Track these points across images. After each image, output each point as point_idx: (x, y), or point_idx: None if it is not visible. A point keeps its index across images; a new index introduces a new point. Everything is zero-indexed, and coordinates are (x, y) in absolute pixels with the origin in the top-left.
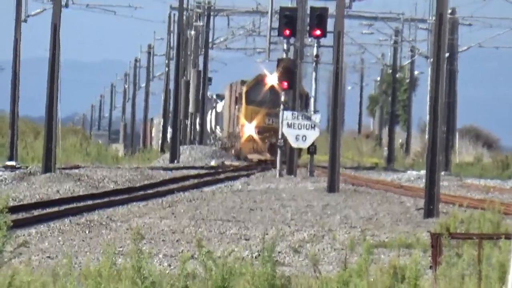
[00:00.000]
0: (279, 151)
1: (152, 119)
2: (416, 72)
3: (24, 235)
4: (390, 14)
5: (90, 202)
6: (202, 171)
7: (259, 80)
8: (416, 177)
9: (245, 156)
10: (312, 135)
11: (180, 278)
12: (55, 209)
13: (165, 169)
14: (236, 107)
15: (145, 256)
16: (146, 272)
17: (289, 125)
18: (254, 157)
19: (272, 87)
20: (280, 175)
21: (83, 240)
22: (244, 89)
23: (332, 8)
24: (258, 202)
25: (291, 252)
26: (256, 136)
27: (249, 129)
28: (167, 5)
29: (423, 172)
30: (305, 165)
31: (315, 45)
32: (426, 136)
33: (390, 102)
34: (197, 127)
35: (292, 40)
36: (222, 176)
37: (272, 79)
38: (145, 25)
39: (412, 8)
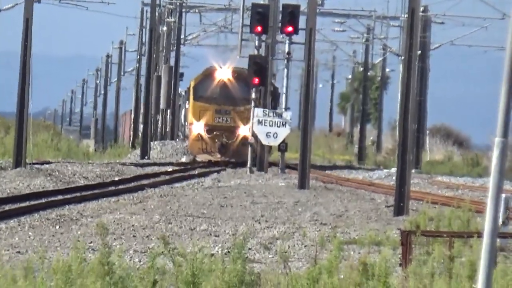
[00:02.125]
0: (250, 148)
1: (131, 111)
2: (387, 70)
3: None
4: (362, 11)
5: (60, 197)
6: (173, 167)
7: (208, 74)
8: (386, 174)
9: (194, 157)
10: (283, 133)
11: (150, 273)
12: (26, 204)
13: (136, 165)
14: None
15: (114, 251)
16: (115, 267)
17: (260, 122)
18: (204, 157)
19: (223, 82)
20: (251, 171)
21: (53, 235)
22: (192, 84)
23: (304, 5)
24: (228, 199)
25: (261, 249)
26: (205, 135)
27: (197, 128)
28: (139, 1)
29: (393, 169)
30: (276, 162)
31: (287, 42)
32: (397, 134)
33: (361, 100)
34: (168, 123)
35: (264, 37)
36: (192, 172)
37: (222, 73)
38: (117, 21)
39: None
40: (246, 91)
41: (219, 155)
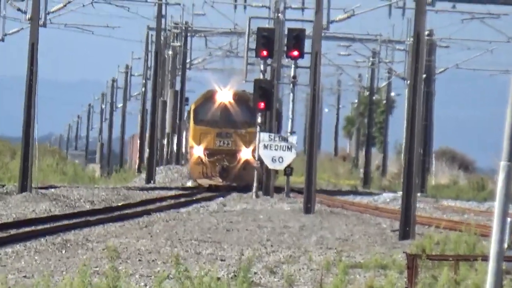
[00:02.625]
0: (255, 172)
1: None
2: (392, 94)
3: (0, 254)
4: (367, 35)
5: (66, 222)
6: (178, 192)
7: (208, 97)
8: (392, 198)
9: (195, 181)
10: (289, 157)
11: None
12: (31, 228)
13: (141, 189)
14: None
15: (121, 275)
16: None
17: (265, 147)
18: (204, 182)
19: (224, 105)
20: (257, 196)
21: (59, 260)
22: (192, 107)
23: (309, 29)
24: (234, 223)
25: (267, 273)
26: (205, 159)
27: (197, 152)
28: (145, 25)
29: (399, 193)
30: (282, 186)
31: (293, 66)
32: (402, 158)
33: (366, 124)
34: (174, 147)
35: (269, 61)
36: (198, 196)
37: (223, 96)
38: (122, 45)
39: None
40: (247, 113)
41: (220, 180)
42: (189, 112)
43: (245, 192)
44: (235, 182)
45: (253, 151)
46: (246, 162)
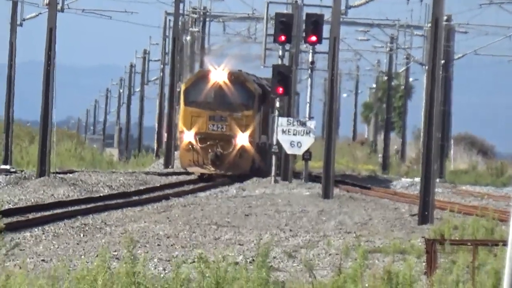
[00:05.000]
0: (273, 157)
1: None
2: (411, 79)
3: (19, 238)
4: (385, 20)
5: (84, 206)
6: (196, 177)
7: (201, 77)
8: (410, 184)
9: (185, 169)
10: (307, 141)
11: (175, 282)
12: (50, 213)
13: (159, 174)
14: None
15: (140, 261)
16: (140, 277)
17: (284, 132)
18: (195, 170)
19: (218, 85)
20: (275, 181)
21: (78, 244)
22: (183, 87)
23: (327, 15)
24: (253, 207)
25: (285, 257)
26: (197, 145)
27: (188, 137)
28: (162, 10)
29: (417, 179)
30: (301, 171)
31: (311, 51)
32: (421, 143)
33: (385, 109)
34: None
35: (287, 47)
36: (217, 181)
37: (217, 75)
38: (140, 30)
39: (407, 15)
40: (244, 95)
41: (212, 168)
42: (179, 93)
43: (242, 181)
44: (230, 171)
45: (250, 136)
46: (242, 149)
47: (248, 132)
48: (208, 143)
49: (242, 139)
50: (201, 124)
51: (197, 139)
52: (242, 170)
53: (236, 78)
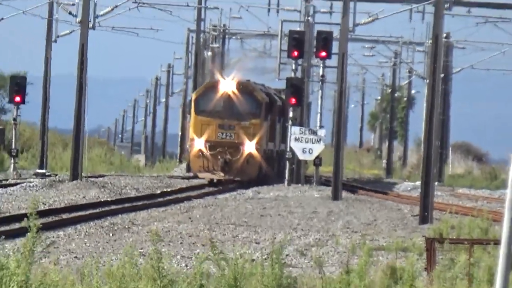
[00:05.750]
0: (287, 163)
1: None
2: (413, 92)
3: (53, 237)
4: (390, 37)
5: (113, 207)
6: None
7: (211, 87)
8: (412, 187)
9: (195, 174)
10: (318, 148)
11: (196, 277)
12: (82, 213)
13: (182, 178)
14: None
15: (164, 257)
16: (165, 271)
17: (296, 139)
18: (205, 176)
19: (227, 95)
20: (289, 184)
21: (107, 242)
22: (193, 96)
23: (336, 32)
24: (267, 209)
25: (297, 255)
26: (207, 152)
27: (198, 144)
28: (185, 28)
29: (418, 182)
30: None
31: (321, 65)
32: (422, 150)
33: (389, 119)
34: None
35: (300, 61)
36: (235, 184)
37: (226, 85)
38: (165, 46)
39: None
40: (251, 104)
41: (222, 174)
42: (190, 102)
43: (249, 187)
44: (238, 177)
45: (257, 143)
46: (250, 156)
47: (255, 140)
48: (218, 150)
49: (249, 146)
50: (211, 132)
51: (207, 146)
52: (249, 176)
53: (244, 87)
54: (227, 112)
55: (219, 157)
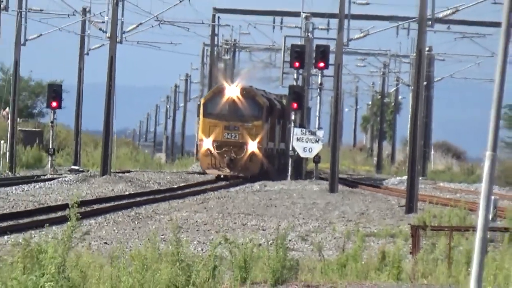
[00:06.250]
0: (290, 159)
1: None
2: (400, 97)
3: (86, 225)
4: (379, 50)
5: (138, 199)
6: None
7: (217, 92)
8: (399, 181)
9: (204, 171)
10: (317, 147)
11: (211, 260)
12: (110, 204)
13: (199, 173)
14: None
15: (183, 243)
16: (183, 255)
17: (298, 139)
18: (213, 172)
19: (232, 99)
20: (291, 178)
21: (133, 229)
22: (202, 101)
23: (333, 46)
24: (273, 200)
25: (299, 240)
26: (214, 151)
27: (206, 144)
28: (201, 42)
29: (405, 177)
30: (311, 171)
31: (319, 75)
32: (408, 149)
33: (379, 122)
34: None
35: (301, 71)
36: (239, 180)
37: (231, 91)
38: (183, 58)
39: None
40: (254, 108)
41: (227, 170)
42: (199, 106)
43: (254, 182)
44: (242, 173)
45: (259, 143)
46: (253, 154)
47: (257, 140)
48: (224, 149)
49: (252, 145)
50: (218, 133)
51: (214, 146)
52: (252, 172)
53: (247, 92)
54: (232, 114)
55: (225, 155)
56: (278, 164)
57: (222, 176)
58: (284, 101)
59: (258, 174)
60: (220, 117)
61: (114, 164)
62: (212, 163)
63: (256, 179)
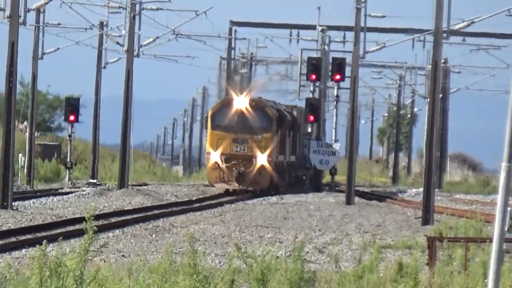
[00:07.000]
0: (306, 172)
1: None
2: (415, 109)
3: (103, 238)
4: (395, 63)
5: (156, 212)
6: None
7: (225, 103)
8: (415, 193)
9: (212, 185)
10: (334, 160)
11: (228, 272)
12: (128, 217)
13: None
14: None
15: (199, 255)
16: (200, 267)
17: (315, 151)
18: (221, 186)
19: (240, 111)
20: (308, 191)
21: (151, 242)
22: (209, 113)
23: (349, 58)
24: (290, 212)
25: (316, 252)
26: (222, 164)
27: (214, 157)
28: (218, 56)
29: (421, 189)
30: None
31: (336, 87)
32: (423, 160)
33: (395, 133)
34: None
35: (317, 83)
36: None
37: (240, 102)
38: (200, 72)
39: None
40: (263, 120)
41: (236, 184)
42: (206, 118)
43: (265, 196)
44: (251, 187)
45: (269, 156)
46: (262, 167)
47: (267, 153)
48: (232, 162)
49: (261, 159)
50: (226, 145)
51: (223, 159)
52: (261, 186)
53: (257, 104)
54: (240, 127)
55: (233, 168)
56: (289, 178)
57: (230, 190)
58: (295, 112)
59: (268, 188)
60: (228, 129)
61: (131, 177)
62: (220, 177)
63: (265, 193)
